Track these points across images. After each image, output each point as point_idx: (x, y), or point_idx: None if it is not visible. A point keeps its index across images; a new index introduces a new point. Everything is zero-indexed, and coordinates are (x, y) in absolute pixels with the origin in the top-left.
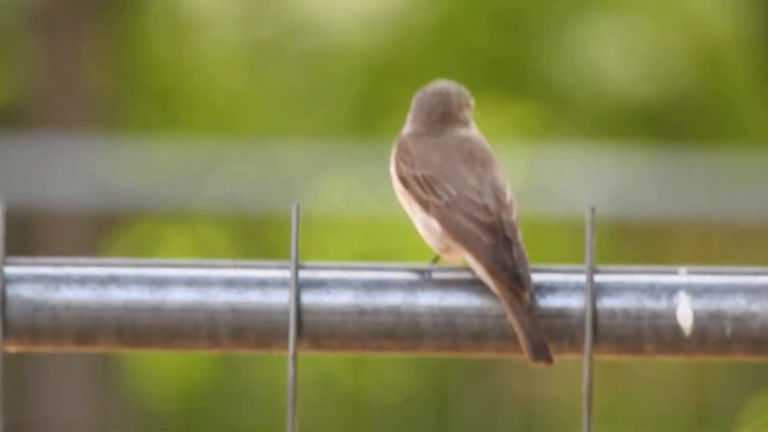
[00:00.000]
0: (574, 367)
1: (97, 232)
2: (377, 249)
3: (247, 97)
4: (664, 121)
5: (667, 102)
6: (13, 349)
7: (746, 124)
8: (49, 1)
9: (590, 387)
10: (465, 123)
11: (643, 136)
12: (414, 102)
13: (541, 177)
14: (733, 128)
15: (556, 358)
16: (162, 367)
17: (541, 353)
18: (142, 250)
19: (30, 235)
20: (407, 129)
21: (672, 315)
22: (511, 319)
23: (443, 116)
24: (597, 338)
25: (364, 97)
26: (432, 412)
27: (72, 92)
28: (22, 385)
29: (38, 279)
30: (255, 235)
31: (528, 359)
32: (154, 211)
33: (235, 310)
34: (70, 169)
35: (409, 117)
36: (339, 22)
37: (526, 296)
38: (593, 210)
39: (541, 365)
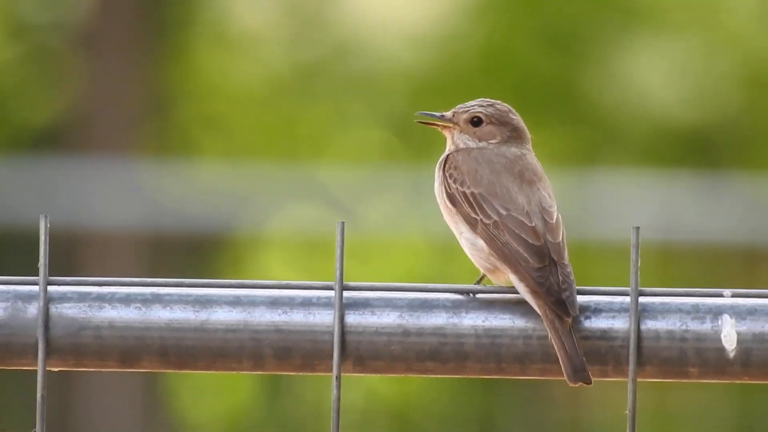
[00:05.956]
0: (619, 389)
1: (146, 253)
2: (419, 270)
3: (295, 118)
4: (710, 146)
5: (713, 126)
6: (56, 368)
7: None
8: (96, 21)
9: (634, 410)
10: (526, 143)
11: (689, 160)
12: (488, 115)
13: (587, 200)
14: None
15: (598, 380)
16: (205, 388)
17: (580, 374)
18: (192, 272)
19: (76, 255)
20: (458, 142)
21: (716, 337)
22: (552, 339)
23: (522, 134)
24: (641, 361)
25: (411, 118)
26: None
27: (119, 113)
28: (68, 403)
29: (82, 298)
30: (305, 257)
31: (567, 379)
32: (202, 233)
33: (279, 330)
34: (117, 190)
35: (476, 132)
36: (385, 43)
37: (569, 319)
38: (638, 231)
39: (580, 385)
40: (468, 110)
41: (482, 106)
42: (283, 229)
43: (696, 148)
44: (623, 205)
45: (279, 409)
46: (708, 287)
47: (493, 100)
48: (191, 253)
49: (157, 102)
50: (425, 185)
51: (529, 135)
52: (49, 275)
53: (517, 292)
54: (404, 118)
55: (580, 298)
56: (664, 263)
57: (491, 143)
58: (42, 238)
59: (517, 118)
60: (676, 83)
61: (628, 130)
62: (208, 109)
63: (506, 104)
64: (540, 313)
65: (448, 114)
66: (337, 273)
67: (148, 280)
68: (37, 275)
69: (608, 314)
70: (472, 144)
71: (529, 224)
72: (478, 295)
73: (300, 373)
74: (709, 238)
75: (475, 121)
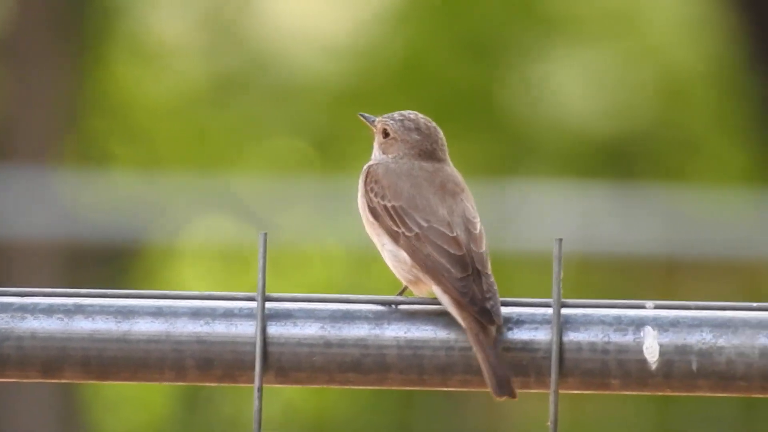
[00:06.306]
0: (539, 401)
1: (63, 263)
2: (337, 281)
3: (212, 129)
4: (627, 157)
5: (631, 137)
6: None
7: (709, 160)
8: (13, 31)
9: (555, 421)
10: (442, 160)
11: (607, 171)
12: (393, 130)
13: (505, 211)
14: (696, 164)
15: (519, 392)
16: (122, 401)
17: (504, 388)
18: (109, 283)
19: None
20: (377, 156)
21: (638, 349)
22: (477, 353)
23: (424, 153)
24: (563, 372)
25: (329, 129)
26: None
27: (36, 123)
28: None
29: (4, 308)
30: (220, 268)
31: (492, 393)
32: (119, 244)
33: (201, 341)
34: (33, 200)
35: (383, 143)
36: (303, 54)
37: (493, 330)
38: (560, 243)
39: (505, 399)
40: (384, 120)
41: (393, 119)
42: (199, 240)
43: (614, 159)
44: (541, 216)
45: (196, 422)
46: (626, 298)
47: (408, 113)
48: (108, 263)
49: (74, 112)
50: (341, 195)
51: (446, 147)
52: None
53: (440, 303)
54: (321, 128)
55: (503, 310)
56: (582, 274)
57: (394, 157)
58: None
59: (420, 138)
60: (594, 94)
61: (547, 140)
62: (125, 120)
63: (423, 118)
64: (464, 326)
65: (377, 120)
66: (260, 284)
67: (71, 290)
68: None
69: (530, 326)
70: (378, 155)
71: (451, 234)
72: (401, 307)
73: (221, 384)
74: (626, 249)
75: (385, 133)
